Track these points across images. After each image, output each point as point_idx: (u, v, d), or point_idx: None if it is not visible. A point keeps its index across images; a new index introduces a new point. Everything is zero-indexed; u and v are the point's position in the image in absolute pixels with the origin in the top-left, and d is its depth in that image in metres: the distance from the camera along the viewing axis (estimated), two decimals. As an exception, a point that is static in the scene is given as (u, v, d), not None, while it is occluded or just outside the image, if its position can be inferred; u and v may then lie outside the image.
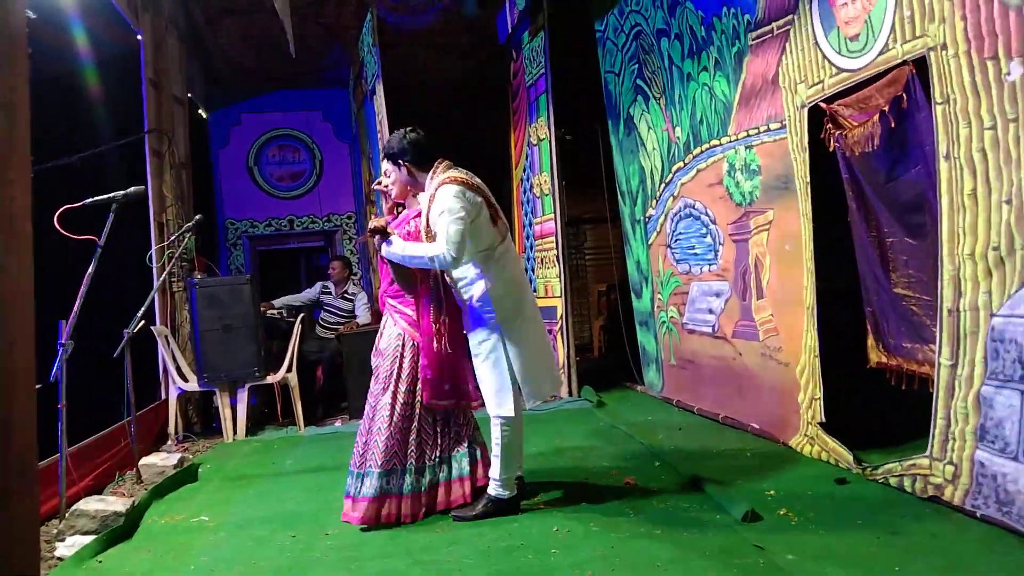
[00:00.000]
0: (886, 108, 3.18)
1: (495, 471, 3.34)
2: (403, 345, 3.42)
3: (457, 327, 3.42)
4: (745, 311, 4.61)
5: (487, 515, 3.30)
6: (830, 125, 3.59)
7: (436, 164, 3.36)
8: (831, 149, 3.61)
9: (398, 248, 3.29)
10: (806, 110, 3.75)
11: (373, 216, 3.76)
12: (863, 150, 3.40)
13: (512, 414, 3.31)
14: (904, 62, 3.05)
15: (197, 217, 5.46)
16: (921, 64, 2.96)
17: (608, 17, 6.10)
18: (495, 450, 3.35)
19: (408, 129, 3.43)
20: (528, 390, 3.35)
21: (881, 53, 3.18)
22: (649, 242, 5.97)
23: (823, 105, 3.62)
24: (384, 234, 3.36)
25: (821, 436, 3.78)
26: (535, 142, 6.82)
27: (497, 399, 3.31)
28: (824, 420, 3.78)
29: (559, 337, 6.47)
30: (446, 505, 3.41)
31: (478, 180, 3.33)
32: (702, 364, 5.26)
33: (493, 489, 3.35)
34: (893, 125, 3.19)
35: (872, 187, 3.46)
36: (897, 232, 3.39)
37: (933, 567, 2.43)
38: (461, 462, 3.47)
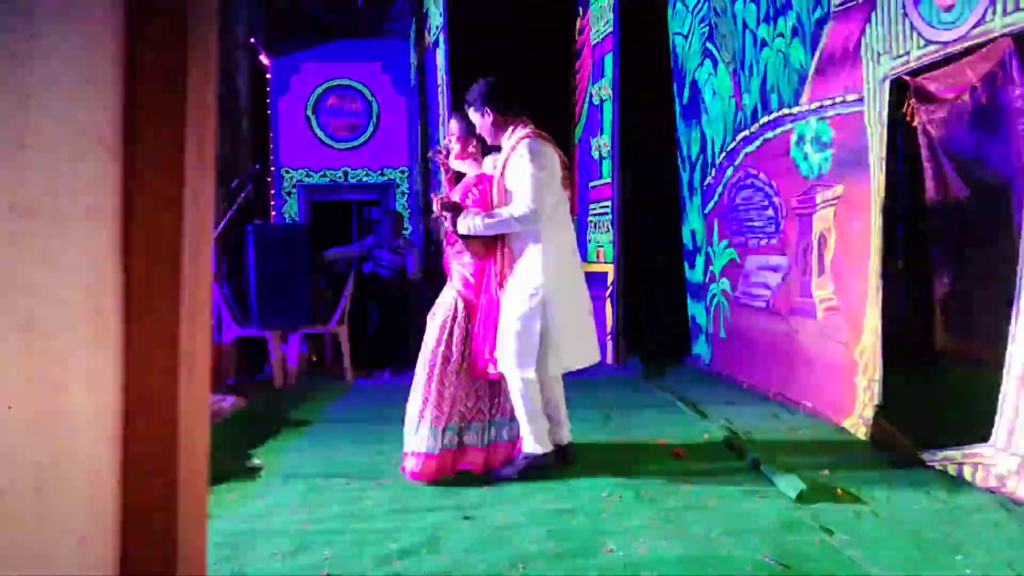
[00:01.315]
0: (978, 84, 3.05)
1: (523, 428, 3.37)
2: (456, 307, 3.42)
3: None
4: (804, 287, 4.52)
5: (524, 472, 3.31)
6: (914, 99, 3.46)
7: (515, 121, 3.37)
8: (914, 124, 3.48)
9: (476, 222, 3.26)
10: (888, 82, 3.61)
11: (434, 196, 3.69)
12: (948, 127, 3.28)
13: (531, 376, 3.28)
14: (1002, 35, 2.91)
15: (256, 166, 5.51)
16: (1021, 38, 2.82)
17: (680, -23, 5.94)
18: (516, 408, 3.37)
19: (493, 78, 3.40)
20: (561, 357, 3.33)
21: (976, 25, 3.03)
22: (706, 211, 5.87)
23: (907, 78, 3.48)
24: (457, 209, 3.31)
25: (878, 419, 3.71)
26: (597, 102, 6.71)
27: (518, 359, 3.25)
28: (882, 403, 3.71)
29: (608, 303, 6.43)
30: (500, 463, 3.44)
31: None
32: (753, 339, 5.19)
33: (527, 446, 3.37)
34: (984, 102, 3.06)
35: (953, 166, 3.34)
36: (976, 214, 3.27)
37: (995, 557, 2.38)
38: (512, 425, 3.48)
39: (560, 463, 3.42)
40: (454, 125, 3.51)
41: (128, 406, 0.83)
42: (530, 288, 3.28)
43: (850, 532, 2.61)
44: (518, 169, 3.20)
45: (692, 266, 6.24)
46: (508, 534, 2.69)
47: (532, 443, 3.35)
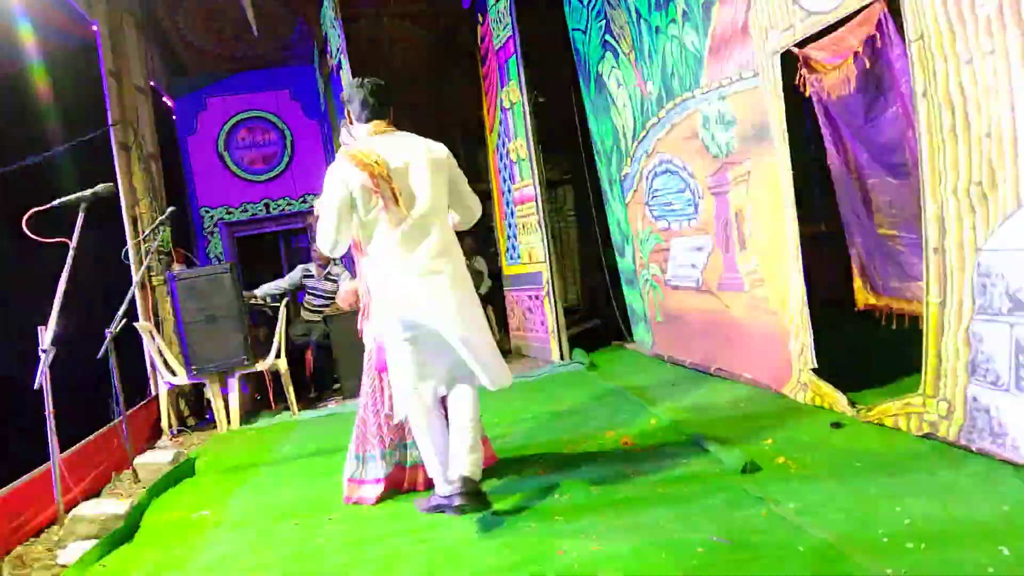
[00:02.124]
0: (860, 49, 3.15)
1: None
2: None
3: None
4: (729, 263, 4.60)
5: (432, 511, 3.08)
6: (804, 70, 3.55)
7: (370, 128, 3.05)
8: (806, 95, 3.58)
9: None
10: (778, 56, 3.71)
11: None
12: (839, 93, 3.38)
13: (400, 416, 3.15)
14: (876, 0, 3.01)
15: (170, 209, 5.37)
16: (893, 2, 2.92)
17: (572, -26, 6.00)
18: None
19: (363, 79, 3.10)
20: (403, 398, 3.09)
21: (851, -7, 3.13)
22: (627, 201, 5.93)
23: (795, 50, 3.57)
24: None
25: (814, 382, 3.80)
26: (508, 106, 6.73)
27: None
28: (816, 366, 3.80)
29: (546, 301, 6.46)
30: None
31: (378, 156, 2.89)
32: (689, 319, 5.27)
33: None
34: (868, 66, 3.16)
35: (850, 130, 3.44)
36: (878, 173, 3.38)
37: (933, 503, 2.45)
38: None
39: (470, 503, 2.95)
40: None
41: None
42: (368, 327, 3.30)
43: (796, 499, 2.66)
44: None
45: (622, 255, 6.31)
46: (462, 552, 2.67)
47: (438, 483, 3.11)
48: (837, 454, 3.08)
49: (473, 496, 2.94)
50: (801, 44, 3.53)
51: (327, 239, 2.97)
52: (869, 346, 3.81)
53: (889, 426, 3.26)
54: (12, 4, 4.76)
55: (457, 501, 2.93)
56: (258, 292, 6.91)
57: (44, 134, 5.04)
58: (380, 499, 3.33)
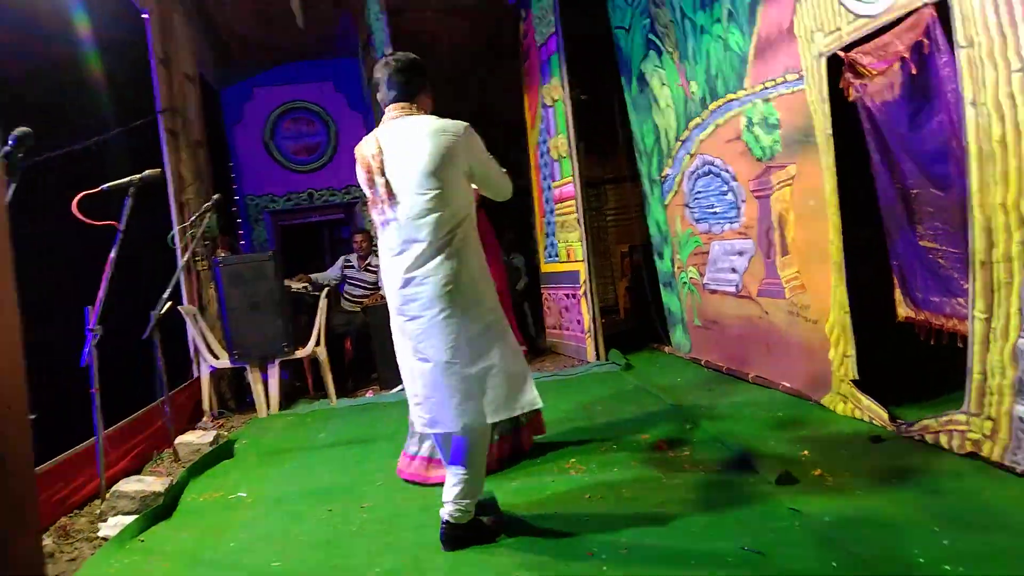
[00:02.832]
0: (907, 54, 3.08)
1: None
2: None
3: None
4: (770, 269, 4.55)
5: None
6: (849, 74, 3.49)
7: (388, 112, 2.78)
8: (851, 99, 3.52)
9: None
10: (824, 59, 3.65)
11: None
12: (884, 99, 3.31)
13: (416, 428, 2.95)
14: (924, 5, 2.94)
15: (216, 196, 5.46)
16: (943, 7, 2.86)
17: (619, -29, 5.96)
18: None
19: (388, 58, 2.82)
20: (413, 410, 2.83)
21: (902, -2, 3.07)
22: (666, 202, 5.89)
23: (841, 54, 3.52)
24: None
25: (854, 394, 3.75)
26: (549, 103, 6.73)
27: None
28: (857, 377, 3.74)
29: (584, 301, 6.45)
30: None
31: (377, 149, 2.68)
32: (727, 324, 5.22)
33: None
34: (915, 72, 3.09)
35: (895, 137, 3.37)
36: (922, 183, 3.30)
37: (974, 525, 2.41)
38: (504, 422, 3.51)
39: (447, 547, 2.74)
40: None
41: None
42: None
43: (831, 513, 2.63)
44: None
45: (661, 256, 6.27)
46: (491, 548, 2.69)
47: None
48: (875, 469, 3.03)
49: (450, 542, 2.72)
50: (847, 48, 3.47)
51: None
52: (909, 360, 3.73)
53: (930, 443, 3.20)
54: (70, -6, 4.89)
55: (441, 539, 2.75)
56: (317, 277, 7.03)
57: (95, 119, 5.15)
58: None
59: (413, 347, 2.68)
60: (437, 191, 2.58)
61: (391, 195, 2.62)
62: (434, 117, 2.70)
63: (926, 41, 2.99)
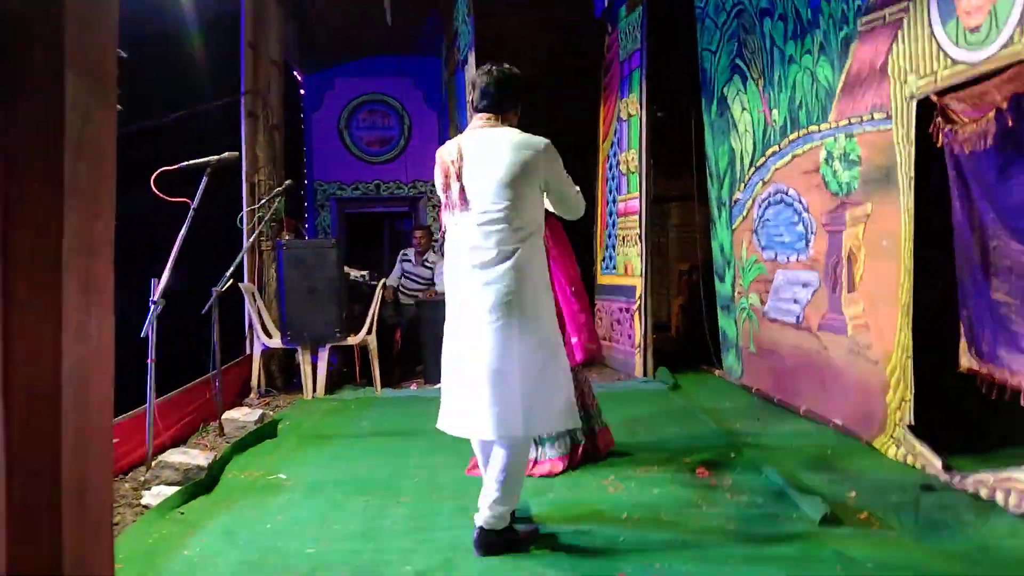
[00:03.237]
0: (1004, 106, 2.98)
1: None
2: None
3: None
4: (834, 304, 4.45)
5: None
6: (940, 119, 3.39)
7: (476, 120, 2.82)
8: (939, 144, 3.42)
9: None
10: (915, 102, 3.55)
11: None
12: (973, 148, 3.21)
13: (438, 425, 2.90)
14: (1030, 56, 2.84)
15: (288, 182, 5.58)
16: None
17: (709, -8, 5.91)
18: None
19: (491, 67, 2.84)
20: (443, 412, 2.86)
21: (1004, 47, 2.96)
22: (733, 226, 5.81)
23: (934, 98, 3.42)
24: None
25: (909, 439, 3.63)
26: (625, 117, 6.70)
27: None
28: (913, 423, 3.63)
29: (637, 316, 6.40)
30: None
31: (458, 154, 2.72)
32: (783, 354, 5.12)
33: None
34: (1010, 124, 2.99)
35: (980, 187, 3.26)
36: (1003, 236, 3.19)
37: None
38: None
39: (479, 553, 2.72)
40: None
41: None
42: None
43: (874, 559, 2.55)
44: None
45: (722, 279, 6.18)
46: (522, 557, 2.68)
47: None
48: (925, 519, 2.93)
49: (483, 548, 2.70)
50: (941, 92, 3.37)
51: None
52: (970, 412, 3.60)
53: (984, 497, 3.08)
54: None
55: (474, 545, 2.73)
56: (391, 283, 7.07)
57: (182, 96, 5.31)
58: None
59: (464, 350, 2.70)
60: (509, 202, 2.62)
61: (464, 201, 2.67)
62: (518, 131, 2.75)
63: (1025, 94, 2.88)
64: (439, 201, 2.87)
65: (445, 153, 2.77)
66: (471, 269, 2.66)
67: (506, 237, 2.63)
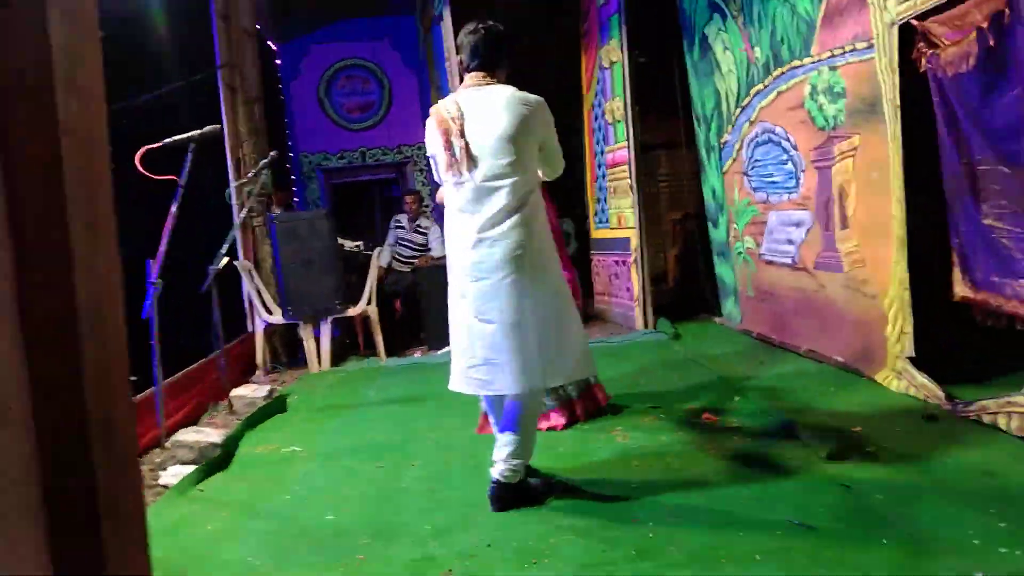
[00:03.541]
0: (984, 25, 2.95)
1: None
2: None
3: None
4: (828, 241, 4.46)
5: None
6: (922, 44, 3.37)
7: (468, 78, 2.84)
8: (922, 70, 3.40)
9: None
10: (896, 28, 3.52)
11: None
12: (956, 71, 3.19)
13: (450, 387, 2.92)
14: (1011, -26, 2.82)
15: (272, 154, 5.53)
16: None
17: (684, -69, 5.81)
18: None
19: (478, 25, 2.85)
20: (453, 371, 2.88)
21: (986, -36, 2.94)
22: (724, 169, 5.79)
23: (915, 22, 3.39)
24: None
25: (909, 371, 3.68)
26: (607, 65, 6.63)
27: None
28: (913, 354, 3.67)
29: (634, 268, 6.41)
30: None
31: (457, 112, 2.73)
32: (781, 296, 5.15)
33: None
34: (992, 44, 2.97)
35: (965, 111, 3.25)
36: (990, 160, 3.19)
37: (1029, 507, 2.37)
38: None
39: (495, 507, 2.77)
40: None
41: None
42: None
43: (883, 490, 2.60)
44: None
45: (716, 225, 6.18)
46: (538, 509, 2.74)
47: None
48: (930, 448, 2.98)
49: (501, 503, 2.75)
50: (921, 17, 3.34)
51: (438, 183, 2.93)
52: (969, 339, 3.64)
53: (987, 424, 3.13)
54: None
55: (490, 498, 2.78)
56: (383, 263, 6.99)
57: (154, 73, 5.24)
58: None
59: (476, 308, 2.72)
60: (514, 157, 2.66)
61: (470, 157, 2.68)
62: (513, 88, 2.77)
63: (1007, 11, 2.86)
64: (427, 165, 2.87)
65: (443, 110, 2.76)
66: (478, 228, 2.68)
67: (512, 192, 2.66)
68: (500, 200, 2.66)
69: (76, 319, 0.86)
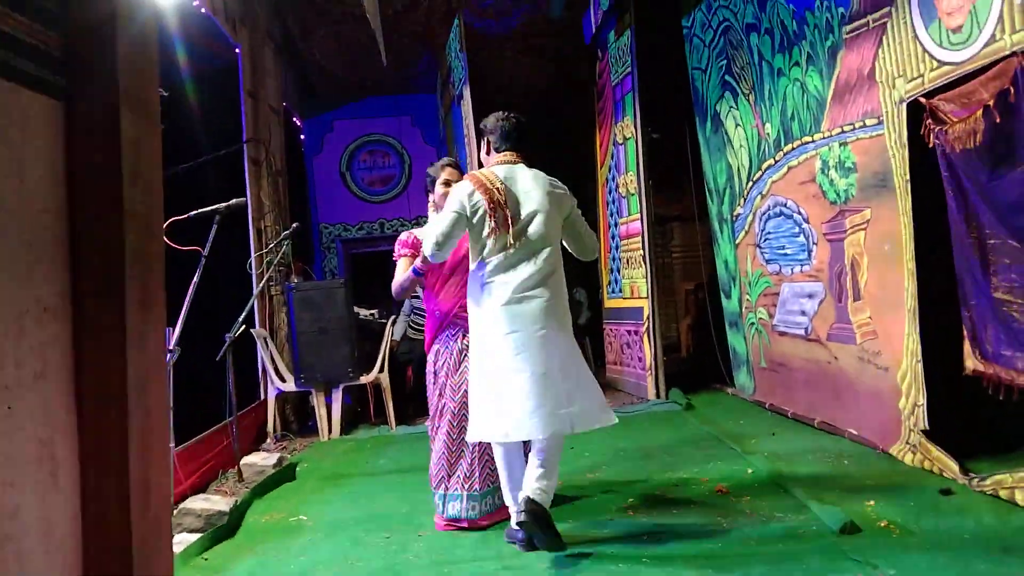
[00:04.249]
0: (991, 103, 3.02)
1: None
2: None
3: None
4: (841, 313, 4.46)
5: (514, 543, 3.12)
6: (930, 121, 3.43)
7: (500, 157, 3.19)
8: (931, 146, 3.45)
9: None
10: (905, 105, 3.60)
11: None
12: (965, 147, 3.24)
13: (470, 438, 3.23)
14: (1012, 53, 2.89)
15: (295, 225, 5.64)
16: (1031, 56, 2.81)
17: (695, 13, 6.01)
18: None
19: (509, 113, 3.24)
20: (476, 424, 3.11)
21: (987, 45, 3.02)
22: (736, 241, 5.84)
23: (923, 100, 3.46)
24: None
25: (924, 444, 3.62)
26: (621, 141, 6.78)
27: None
28: (927, 427, 3.62)
29: (646, 338, 6.41)
30: None
31: (500, 184, 3.04)
32: (794, 367, 5.12)
33: None
34: (998, 120, 3.03)
35: (974, 186, 3.29)
36: (1000, 233, 3.20)
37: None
38: None
39: (528, 522, 2.91)
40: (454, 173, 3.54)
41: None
42: (464, 338, 3.40)
43: (896, 566, 2.54)
44: None
45: (728, 296, 6.20)
46: (545, 582, 2.69)
47: (512, 513, 3.21)
48: (944, 523, 2.92)
49: (533, 517, 2.86)
50: (929, 94, 3.42)
51: (430, 242, 3.06)
52: (984, 413, 3.59)
53: (1004, 499, 3.07)
54: (170, 23, 5.20)
55: (520, 520, 2.96)
56: (396, 337, 7.02)
57: (185, 146, 5.42)
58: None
59: (510, 358, 2.96)
60: (552, 230, 3.08)
61: (514, 225, 3.00)
62: (539, 170, 3.18)
63: (1012, 90, 2.92)
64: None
65: (485, 180, 3.05)
66: (513, 288, 2.98)
67: (547, 259, 3.04)
68: (537, 264, 3.01)
69: (126, 391, 0.90)
